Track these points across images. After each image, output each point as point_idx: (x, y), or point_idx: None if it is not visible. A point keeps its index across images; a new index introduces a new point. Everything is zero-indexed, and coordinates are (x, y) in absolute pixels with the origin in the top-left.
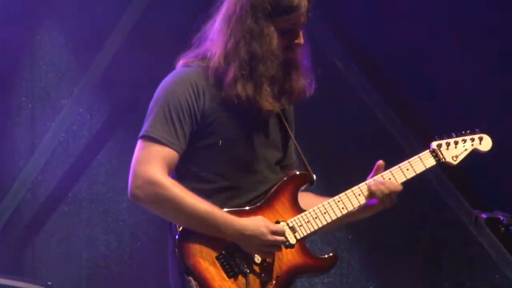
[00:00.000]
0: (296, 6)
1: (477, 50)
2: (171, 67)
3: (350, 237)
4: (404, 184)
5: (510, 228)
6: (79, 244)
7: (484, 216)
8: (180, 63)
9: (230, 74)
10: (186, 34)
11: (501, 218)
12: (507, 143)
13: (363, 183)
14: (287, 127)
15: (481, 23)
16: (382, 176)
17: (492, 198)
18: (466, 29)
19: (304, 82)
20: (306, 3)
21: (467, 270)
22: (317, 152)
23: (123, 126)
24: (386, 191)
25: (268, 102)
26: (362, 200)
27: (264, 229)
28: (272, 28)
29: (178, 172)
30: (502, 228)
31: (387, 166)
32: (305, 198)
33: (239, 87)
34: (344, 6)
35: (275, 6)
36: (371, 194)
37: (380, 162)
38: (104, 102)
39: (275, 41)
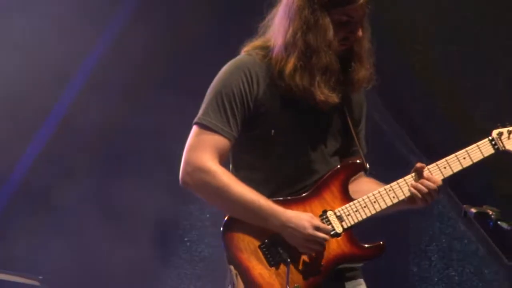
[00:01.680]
0: None
1: None
2: None
3: None
4: (395, 178)
5: (499, 222)
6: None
7: (473, 211)
8: (243, 50)
9: (290, 65)
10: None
11: (490, 213)
12: None
13: (413, 174)
14: (348, 117)
15: None
16: (437, 164)
17: (481, 192)
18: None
19: (366, 73)
20: None
21: (457, 264)
22: None
23: None
24: (430, 187)
25: (322, 93)
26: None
27: (306, 223)
28: (328, 19)
29: (234, 161)
30: (491, 223)
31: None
32: (365, 184)
33: (298, 78)
34: None
35: None
36: (412, 193)
37: (419, 163)
38: None
39: (330, 32)
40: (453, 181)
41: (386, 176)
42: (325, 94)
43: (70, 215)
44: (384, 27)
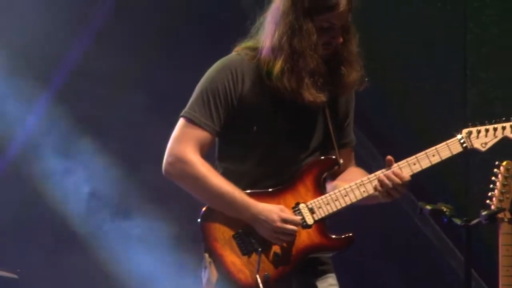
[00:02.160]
0: (333, 6)
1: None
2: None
3: None
4: None
5: (453, 219)
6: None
7: (428, 208)
8: (234, 50)
9: (277, 67)
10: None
11: (444, 210)
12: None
13: (384, 169)
14: (330, 116)
15: None
16: (407, 161)
17: (436, 190)
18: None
19: (357, 75)
20: (344, 3)
21: (413, 259)
22: None
23: None
24: (395, 181)
25: (310, 94)
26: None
27: (275, 216)
28: (311, 24)
29: (220, 153)
30: (445, 220)
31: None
32: (350, 174)
33: (285, 80)
34: None
35: (313, 4)
36: (377, 188)
37: (389, 157)
38: None
39: (314, 37)
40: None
41: None
42: (313, 95)
43: None
44: None
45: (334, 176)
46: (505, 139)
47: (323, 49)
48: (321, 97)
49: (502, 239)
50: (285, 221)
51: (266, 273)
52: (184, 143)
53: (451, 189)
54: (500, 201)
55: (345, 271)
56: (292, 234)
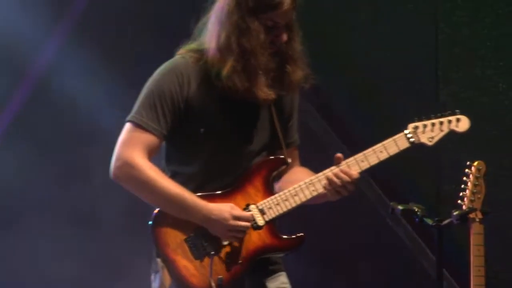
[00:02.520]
0: (277, 4)
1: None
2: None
3: None
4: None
5: (424, 219)
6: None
7: (400, 208)
8: (177, 53)
9: (228, 67)
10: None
11: (416, 210)
12: None
13: (333, 167)
14: (277, 114)
15: None
16: (355, 158)
17: (407, 190)
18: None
19: (302, 73)
20: (288, 2)
21: (385, 258)
22: None
23: None
24: (344, 179)
25: (262, 92)
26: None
27: (226, 214)
28: (257, 23)
29: (167, 156)
30: (417, 220)
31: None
32: (296, 173)
33: (236, 79)
34: None
35: (257, 3)
36: (326, 187)
37: (338, 154)
38: None
39: (262, 35)
40: (381, 180)
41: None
42: (266, 92)
43: None
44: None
45: (280, 176)
46: (451, 132)
47: (271, 47)
48: (272, 95)
49: (473, 239)
50: (237, 218)
51: (219, 277)
52: (131, 147)
53: (423, 189)
54: (471, 201)
55: (316, 270)
56: (245, 231)
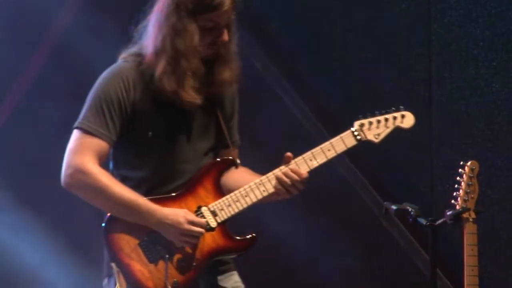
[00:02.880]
0: (217, 5)
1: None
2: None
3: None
4: (319, 178)
5: (418, 219)
6: None
7: (393, 208)
8: (120, 57)
9: (159, 69)
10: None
11: (410, 210)
12: (416, 138)
13: (282, 166)
14: (220, 115)
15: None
16: (303, 157)
17: (401, 190)
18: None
19: (230, 74)
20: (229, 2)
21: (379, 258)
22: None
23: None
24: (293, 178)
25: (189, 95)
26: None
27: (181, 219)
28: (194, 25)
29: (115, 160)
30: (411, 219)
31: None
32: (238, 173)
33: (166, 81)
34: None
35: (197, 4)
36: (277, 187)
37: (288, 153)
38: None
39: (196, 37)
40: (374, 180)
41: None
42: (192, 95)
43: None
44: None
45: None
46: (397, 129)
47: (208, 48)
48: (198, 99)
49: (467, 239)
50: (191, 223)
51: (174, 280)
52: (81, 154)
53: (416, 189)
54: (465, 201)
55: (311, 270)
56: (199, 236)
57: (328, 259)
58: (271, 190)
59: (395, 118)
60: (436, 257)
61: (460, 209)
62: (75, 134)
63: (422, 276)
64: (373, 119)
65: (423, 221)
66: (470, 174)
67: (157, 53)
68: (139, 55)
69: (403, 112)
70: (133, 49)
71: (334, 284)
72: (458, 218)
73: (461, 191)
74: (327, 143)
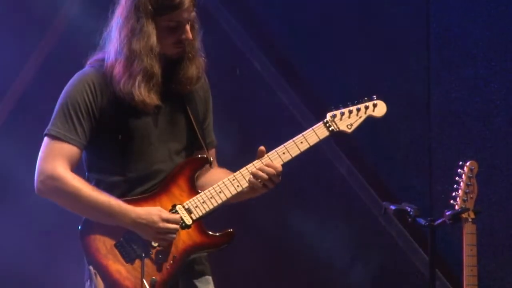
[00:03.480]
0: (177, 4)
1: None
2: None
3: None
4: (317, 178)
5: (417, 219)
6: None
7: (392, 208)
8: (86, 63)
9: (117, 71)
10: None
11: (409, 210)
12: (415, 139)
13: (255, 161)
14: (191, 115)
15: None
16: (276, 151)
17: (400, 191)
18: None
19: (195, 71)
20: (188, 0)
21: (377, 258)
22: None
23: None
24: (269, 173)
25: (141, 95)
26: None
27: (155, 218)
28: (152, 26)
29: (87, 165)
30: (410, 219)
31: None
32: (216, 174)
33: (122, 83)
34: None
35: (157, 5)
36: (252, 181)
37: (261, 147)
38: None
39: (153, 38)
40: (373, 180)
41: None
42: (148, 96)
43: None
44: None
45: (199, 177)
46: (370, 118)
47: (174, 48)
48: (153, 99)
49: (466, 239)
50: (166, 220)
51: (152, 278)
52: (52, 160)
53: (415, 189)
54: (464, 201)
55: (309, 269)
56: (174, 233)
57: (327, 259)
58: (246, 185)
59: (367, 107)
60: (435, 257)
61: (459, 209)
62: (45, 141)
63: (421, 276)
64: (345, 110)
65: (422, 221)
66: (469, 174)
67: (116, 55)
68: (104, 60)
69: (375, 101)
70: (99, 55)
71: (332, 283)
72: (457, 218)
73: (460, 191)
74: (299, 135)
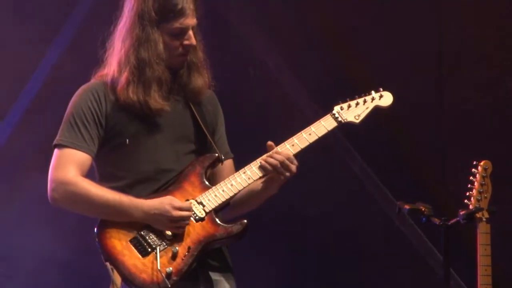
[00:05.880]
0: (180, 11)
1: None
2: None
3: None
4: (331, 177)
5: (431, 218)
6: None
7: (407, 207)
8: (92, 79)
9: (123, 80)
10: None
11: (423, 210)
12: (429, 138)
13: (265, 155)
14: (199, 120)
15: None
16: (285, 143)
17: (414, 190)
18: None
19: (203, 80)
20: (191, 6)
21: (391, 257)
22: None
23: None
24: (278, 158)
25: (156, 102)
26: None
27: (168, 206)
28: (158, 33)
29: (99, 173)
30: (424, 219)
31: None
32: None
33: (130, 91)
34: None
35: (160, 13)
36: (263, 167)
37: (269, 142)
38: None
39: (160, 45)
40: (388, 179)
41: None
42: (159, 102)
43: None
44: None
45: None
46: (377, 108)
47: (178, 56)
48: (166, 105)
49: (480, 239)
50: (178, 208)
51: (168, 268)
52: (62, 167)
53: (429, 189)
54: (478, 200)
55: (323, 270)
56: (187, 220)
57: (339, 258)
58: (256, 176)
59: (373, 98)
60: (449, 257)
61: (474, 209)
62: (55, 152)
63: (435, 275)
64: (352, 102)
65: (436, 220)
66: (483, 174)
67: (120, 64)
68: (106, 74)
69: (382, 92)
70: (103, 71)
71: (346, 284)
72: (471, 217)
73: (474, 190)
74: (307, 128)
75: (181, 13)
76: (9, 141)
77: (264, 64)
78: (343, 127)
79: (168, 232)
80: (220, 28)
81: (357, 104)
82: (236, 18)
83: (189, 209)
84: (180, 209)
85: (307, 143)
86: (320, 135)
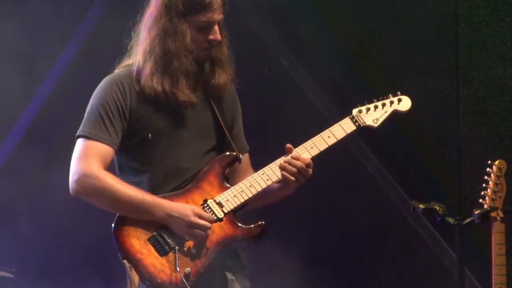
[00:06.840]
0: (207, 4)
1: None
2: None
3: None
4: (346, 178)
5: (445, 218)
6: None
7: (421, 207)
8: (116, 69)
9: (147, 70)
10: None
11: (437, 209)
12: (444, 138)
13: (283, 157)
14: (219, 115)
15: None
16: (304, 146)
17: (428, 190)
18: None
19: (227, 77)
20: (219, 1)
21: (406, 257)
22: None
23: None
24: (297, 165)
25: (184, 94)
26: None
27: (189, 212)
28: (185, 25)
29: (119, 166)
30: (438, 218)
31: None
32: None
33: (155, 81)
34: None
35: (187, 5)
36: (283, 173)
37: (288, 145)
38: None
39: (188, 37)
40: (402, 179)
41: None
42: (187, 94)
43: None
44: None
45: (233, 179)
46: (395, 112)
47: (203, 50)
48: (193, 97)
49: (495, 238)
50: (199, 215)
51: (186, 268)
52: (85, 159)
53: (444, 188)
54: (492, 200)
55: (339, 270)
56: (206, 229)
57: (355, 258)
58: (275, 179)
59: (392, 102)
60: (464, 256)
61: (488, 208)
62: (77, 143)
63: (450, 275)
64: (371, 105)
65: (451, 220)
66: (497, 173)
67: (144, 55)
68: (131, 64)
69: (400, 97)
70: (127, 61)
71: (361, 283)
72: (486, 217)
73: (489, 190)
74: (326, 130)
75: (208, 7)
76: None
77: (279, 63)
78: (361, 131)
79: None
80: (235, 25)
81: (376, 107)
82: (250, 16)
83: (210, 220)
84: (201, 217)
85: (325, 146)
86: (339, 138)
